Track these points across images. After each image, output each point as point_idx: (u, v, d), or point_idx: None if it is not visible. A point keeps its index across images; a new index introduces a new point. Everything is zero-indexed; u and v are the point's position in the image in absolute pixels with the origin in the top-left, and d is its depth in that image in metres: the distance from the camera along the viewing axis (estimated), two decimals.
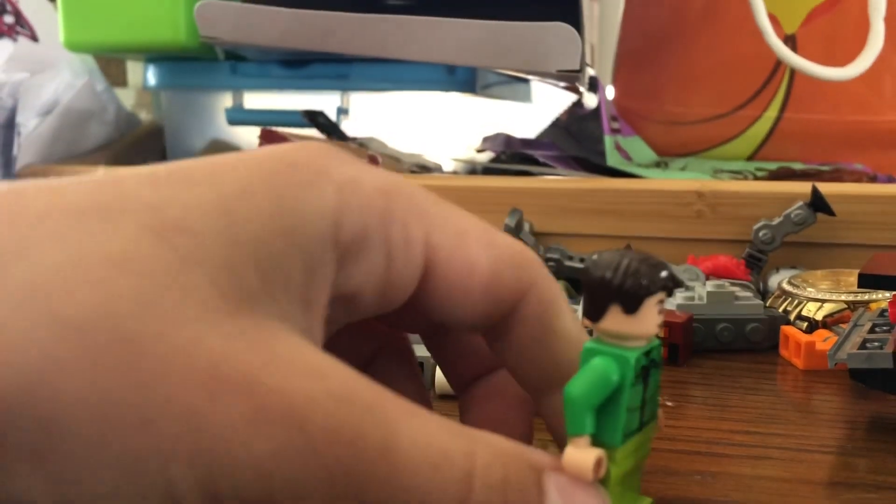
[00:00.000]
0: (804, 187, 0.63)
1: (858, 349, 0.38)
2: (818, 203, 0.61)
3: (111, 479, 0.18)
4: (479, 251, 0.27)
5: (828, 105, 0.86)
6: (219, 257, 0.21)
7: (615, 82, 0.95)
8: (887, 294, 0.50)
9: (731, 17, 0.85)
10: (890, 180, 0.80)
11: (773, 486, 0.32)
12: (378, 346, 0.32)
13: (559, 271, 0.60)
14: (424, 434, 0.21)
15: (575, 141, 0.82)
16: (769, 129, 0.88)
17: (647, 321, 0.26)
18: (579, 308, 0.52)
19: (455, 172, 0.84)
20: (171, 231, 0.20)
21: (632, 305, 0.25)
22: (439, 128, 0.92)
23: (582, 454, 0.25)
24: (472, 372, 0.33)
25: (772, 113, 0.87)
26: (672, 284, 0.26)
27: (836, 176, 0.77)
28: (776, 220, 0.62)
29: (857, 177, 0.78)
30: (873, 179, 0.78)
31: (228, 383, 0.19)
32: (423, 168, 0.80)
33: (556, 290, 0.29)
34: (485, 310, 0.27)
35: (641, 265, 0.26)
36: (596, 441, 0.26)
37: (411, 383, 0.32)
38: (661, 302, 0.26)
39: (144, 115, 0.99)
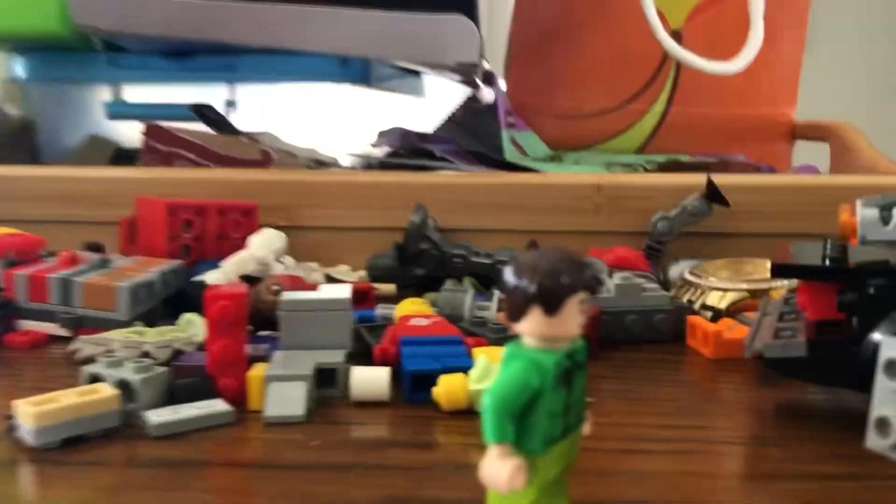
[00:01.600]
0: (699, 179, 0.64)
1: (773, 339, 0.39)
2: (713, 194, 0.63)
3: None
4: None
5: (711, 99, 0.88)
6: None
7: (508, 77, 0.95)
8: (785, 282, 0.52)
9: (620, 12, 0.87)
10: (771, 170, 0.84)
11: (705, 483, 0.32)
12: None
13: (465, 267, 0.59)
14: None
15: (471, 135, 0.82)
16: (657, 122, 0.90)
17: (569, 321, 0.25)
18: (490, 303, 0.51)
19: (353, 168, 0.82)
20: None
21: (552, 306, 0.25)
22: (333, 121, 0.90)
23: (499, 464, 0.24)
24: None
25: (659, 107, 0.89)
26: (595, 283, 0.26)
27: (723, 167, 0.80)
28: (673, 212, 0.63)
29: (743, 168, 0.81)
30: (757, 170, 0.81)
31: None
32: (320, 163, 0.77)
33: None
34: None
35: (561, 264, 0.25)
36: (516, 449, 0.25)
37: None
38: (583, 301, 0.25)
39: (13, 110, 0.92)
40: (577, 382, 0.27)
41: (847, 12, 1.84)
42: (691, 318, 0.51)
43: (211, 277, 0.53)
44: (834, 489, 0.31)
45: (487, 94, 0.82)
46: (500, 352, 0.40)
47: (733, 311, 0.52)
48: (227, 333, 0.39)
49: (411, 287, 0.59)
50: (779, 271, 0.38)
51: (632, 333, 0.51)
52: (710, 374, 0.46)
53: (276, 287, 0.49)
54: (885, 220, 0.36)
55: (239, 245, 0.60)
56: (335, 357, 0.41)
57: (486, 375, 0.37)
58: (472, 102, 0.86)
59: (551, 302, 0.25)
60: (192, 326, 0.49)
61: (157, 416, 0.36)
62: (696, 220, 0.63)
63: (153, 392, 0.38)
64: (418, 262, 0.59)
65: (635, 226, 0.65)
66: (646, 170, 0.80)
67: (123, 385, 0.38)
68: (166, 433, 0.36)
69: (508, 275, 0.25)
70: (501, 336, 0.46)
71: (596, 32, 0.89)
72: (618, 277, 0.53)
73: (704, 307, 0.53)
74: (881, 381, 0.27)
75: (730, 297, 0.53)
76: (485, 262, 0.59)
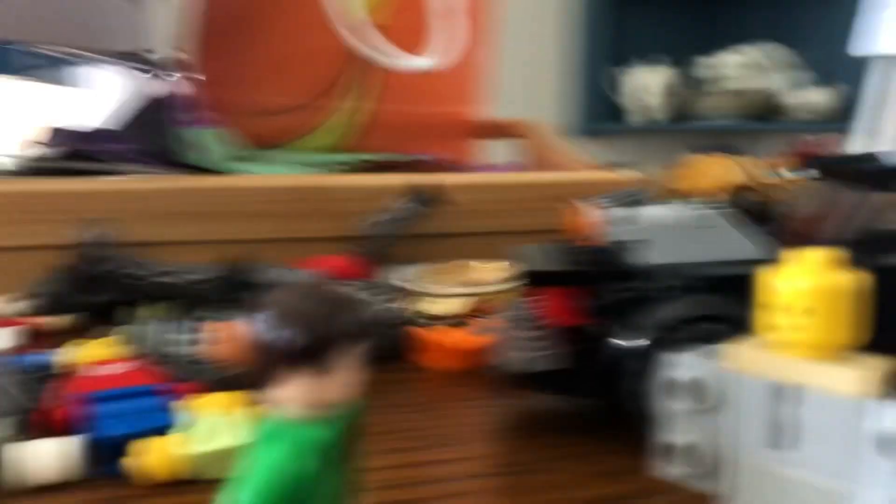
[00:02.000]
0: (412, 180, 0.61)
1: (517, 352, 0.36)
2: (427, 195, 0.60)
3: None
4: None
5: (412, 97, 0.86)
6: None
7: (197, 69, 0.86)
8: (508, 285, 0.50)
9: (307, 5, 0.82)
10: (470, 169, 0.84)
11: None
12: None
13: (157, 290, 0.49)
14: None
15: (146, 133, 0.72)
16: (354, 119, 0.86)
17: (344, 380, 0.20)
18: (195, 335, 0.42)
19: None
20: None
21: (323, 363, 0.20)
22: None
23: None
24: None
25: (355, 103, 0.86)
26: (373, 327, 0.21)
27: (424, 166, 0.78)
28: (387, 215, 0.59)
29: (443, 166, 0.80)
30: (458, 169, 0.80)
31: None
32: None
33: None
34: None
35: (329, 308, 0.20)
36: None
37: None
38: (360, 354, 0.21)
39: None
40: (353, 451, 0.21)
41: (545, 14, 1.97)
42: (417, 330, 0.47)
43: None
44: None
45: (168, 87, 0.72)
46: (225, 398, 0.32)
47: (458, 318, 0.49)
48: None
49: (94, 318, 0.48)
50: (535, 279, 0.36)
51: None
52: (449, 392, 0.42)
53: None
54: (623, 221, 0.35)
55: None
56: None
57: (213, 434, 0.30)
58: (147, 96, 0.75)
59: (321, 358, 0.19)
60: None
61: None
62: (411, 223, 0.59)
63: None
64: (98, 286, 0.48)
65: (342, 230, 0.60)
66: (344, 169, 0.76)
67: None
68: None
69: (259, 325, 0.19)
70: (224, 378, 0.38)
71: (289, 25, 0.83)
72: None
73: (428, 316, 0.50)
74: (663, 404, 0.24)
75: (452, 305, 0.50)
76: (180, 282, 0.50)
